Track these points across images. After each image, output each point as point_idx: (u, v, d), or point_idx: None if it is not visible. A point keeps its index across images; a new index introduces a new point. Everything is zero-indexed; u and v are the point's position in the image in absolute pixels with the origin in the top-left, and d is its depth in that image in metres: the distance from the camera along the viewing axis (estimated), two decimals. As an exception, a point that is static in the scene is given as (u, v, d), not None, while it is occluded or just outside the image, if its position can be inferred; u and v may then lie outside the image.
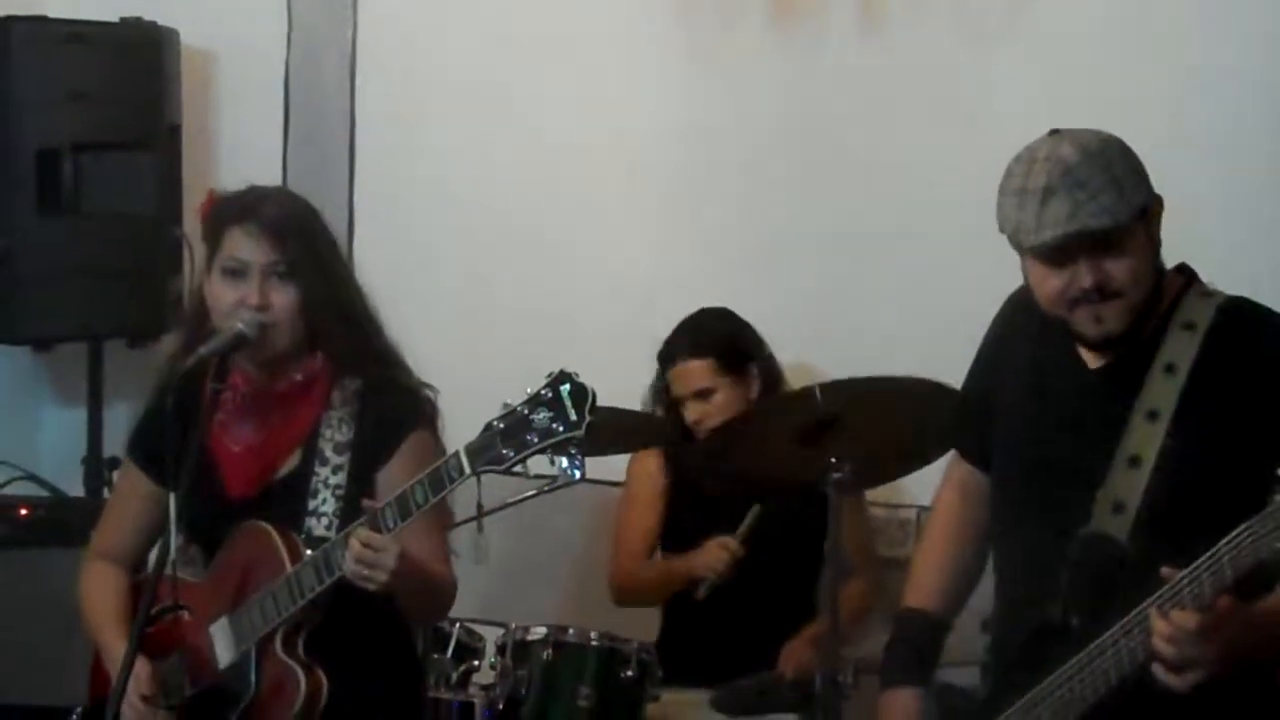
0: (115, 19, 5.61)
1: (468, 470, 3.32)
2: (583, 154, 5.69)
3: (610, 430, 4.43)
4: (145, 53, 5.60)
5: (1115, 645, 3.10)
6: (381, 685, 3.79)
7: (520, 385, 3.30)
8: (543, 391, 3.26)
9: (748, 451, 4.66)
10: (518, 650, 4.58)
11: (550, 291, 5.71)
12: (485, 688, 4.61)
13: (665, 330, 5.14)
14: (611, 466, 5.13)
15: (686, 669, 4.78)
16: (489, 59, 5.77)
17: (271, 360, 3.71)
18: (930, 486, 3.77)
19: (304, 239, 3.71)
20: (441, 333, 5.41)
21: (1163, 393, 3.22)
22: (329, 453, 3.71)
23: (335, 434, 3.72)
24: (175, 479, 3.55)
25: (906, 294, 5.38)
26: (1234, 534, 2.94)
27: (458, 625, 4.71)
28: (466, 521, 3.58)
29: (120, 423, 5.02)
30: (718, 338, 5.08)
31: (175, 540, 3.55)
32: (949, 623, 3.56)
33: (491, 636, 4.73)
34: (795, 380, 5.18)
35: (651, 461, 5.19)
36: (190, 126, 5.78)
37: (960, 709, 3.44)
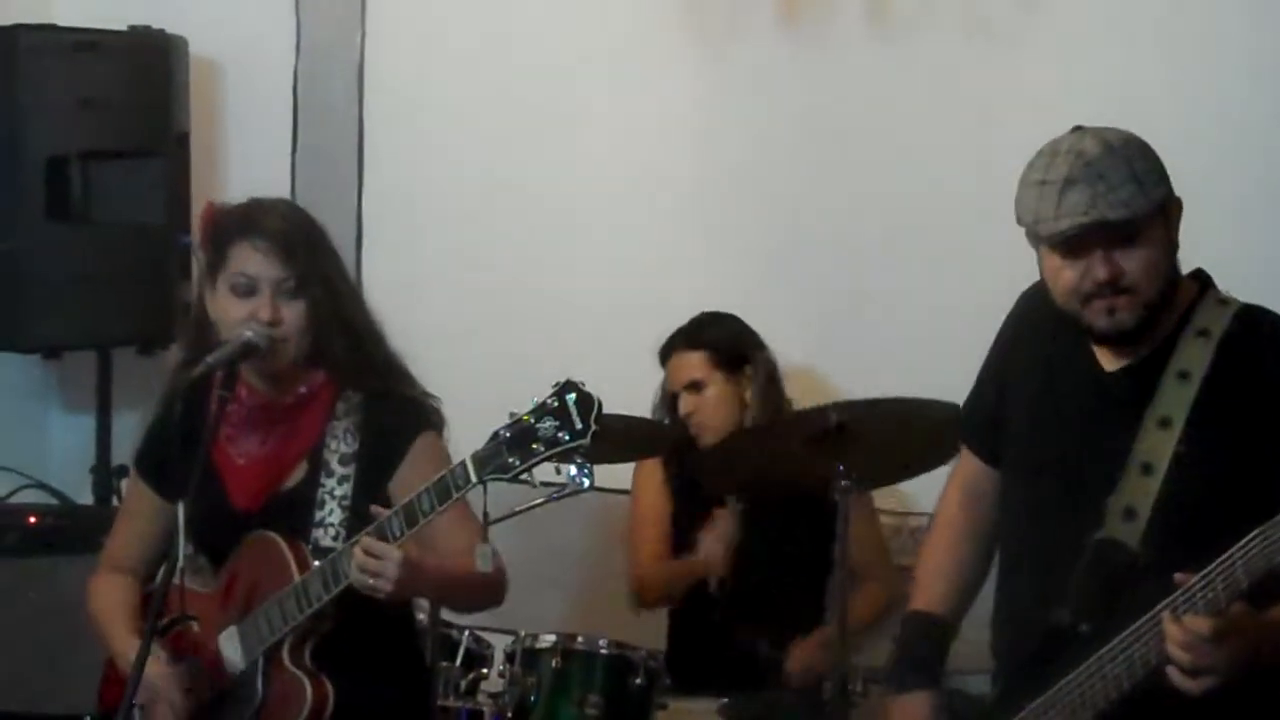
0: (124, 27, 5.63)
1: (474, 479, 3.32)
2: (592, 160, 5.69)
3: (618, 438, 4.43)
4: (154, 61, 5.61)
5: (1126, 650, 3.10)
6: (391, 694, 3.79)
7: (528, 394, 3.31)
8: (549, 400, 3.26)
9: (755, 459, 4.71)
10: (526, 658, 4.58)
11: (560, 298, 5.71)
12: (494, 695, 4.60)
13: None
14: (620, 475, 5.12)
15: (695, 678, 4.77)
16: (497, 68, 5.77)
17: (277, 373, 3.72)
18: (938, 494, 3.75)
19: (311, 253, 3.71)
20: (450, 341, 5.42)
21: (1175, 400, 3.21)
22: (334, 464, 3.72)
23: (340, 445, 3.73)
24: (183, 487, 3.54)
25: (917, 293, 5.37)
26: (1246, 540, 2.93)
27: (466, 633, 4.71)
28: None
29: (129, 430, 5.00)
30: (715, 333, 5.09)
31: (184, 550, 3.55)
32: (956, 625, 3.55)
33: (500, 644, 4.73)
34: (804, 380, 5.18)
35: (655, 470, 5.19)
36: (199, 135, 5.79)
37: (968, 715, 3.44)
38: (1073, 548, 3.21)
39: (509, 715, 4.54)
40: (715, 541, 4.95)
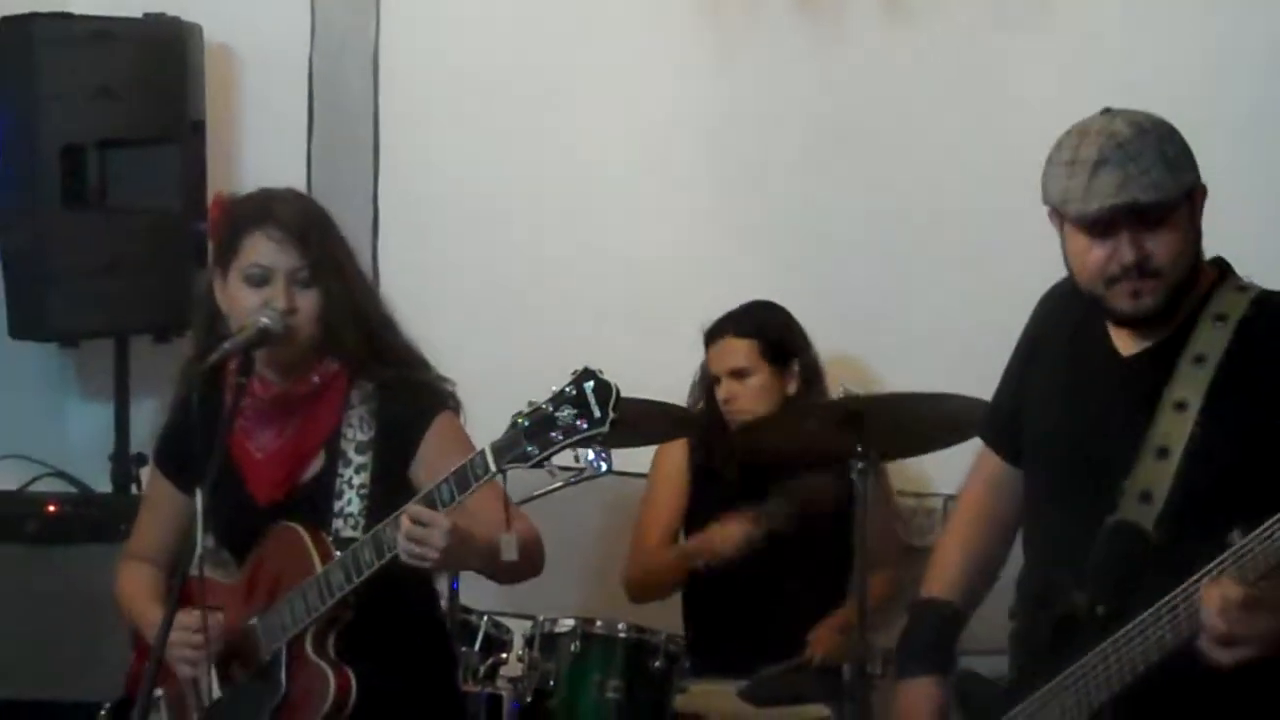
0: (139, 15, 5.63)
1: (493, 468, 3.32)
2: (608, 149, 5.69)
3: (638, 422, 4.44)
4: (169, 48, 5.61)
5: (1144, 632, 3.09)
6: (418, 681, 3.80)
7: (547, 383, 3.31)
8: (567, 389, 3.26)
9: (778, 443, 4.75)
10: (546, 642, 4.60)
11: (577, 287, 5.71)
12: (513, 680, 4.62)
13: (693, 324, 5.15)
14: (638, 458, 5.13)
15: (714, 660, 4.78)
16: (512, 55, 5.77)
17: (290, 363, 3.72)
18: (956, 475, 3.76)
19: (323, 242, 3.71)
20: (467, 330, 5.43)
21: (1191, 383, 3.21)
22: (351, 453, 3.72)
23: (356, 434, 3.73)
24: (203, 475, 3.54)
25: (939, 283, 5.38)
26: (1266, 525, 2.93)
27: (485, 618, 4.73)
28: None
29: (147, 418, 5.02)
30: (766, 324, 5.09)
31: (206, 541, 3.55)
32: (966, 615, 3.55)
33: (519, 629, 4.74)
34: (831, 370, 5.18)
35: (677, 451, 5.20)
36: (214, 122, 5.78)
37: (981, 695, 3.44)
38: (1089, 531, 3.21)
39: (528, 700, 4.55)
40: (736, 529, 4.93)
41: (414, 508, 3.42)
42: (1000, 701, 3.35)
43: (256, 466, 3.77)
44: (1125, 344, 3.31)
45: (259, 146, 5.94)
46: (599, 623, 4.61)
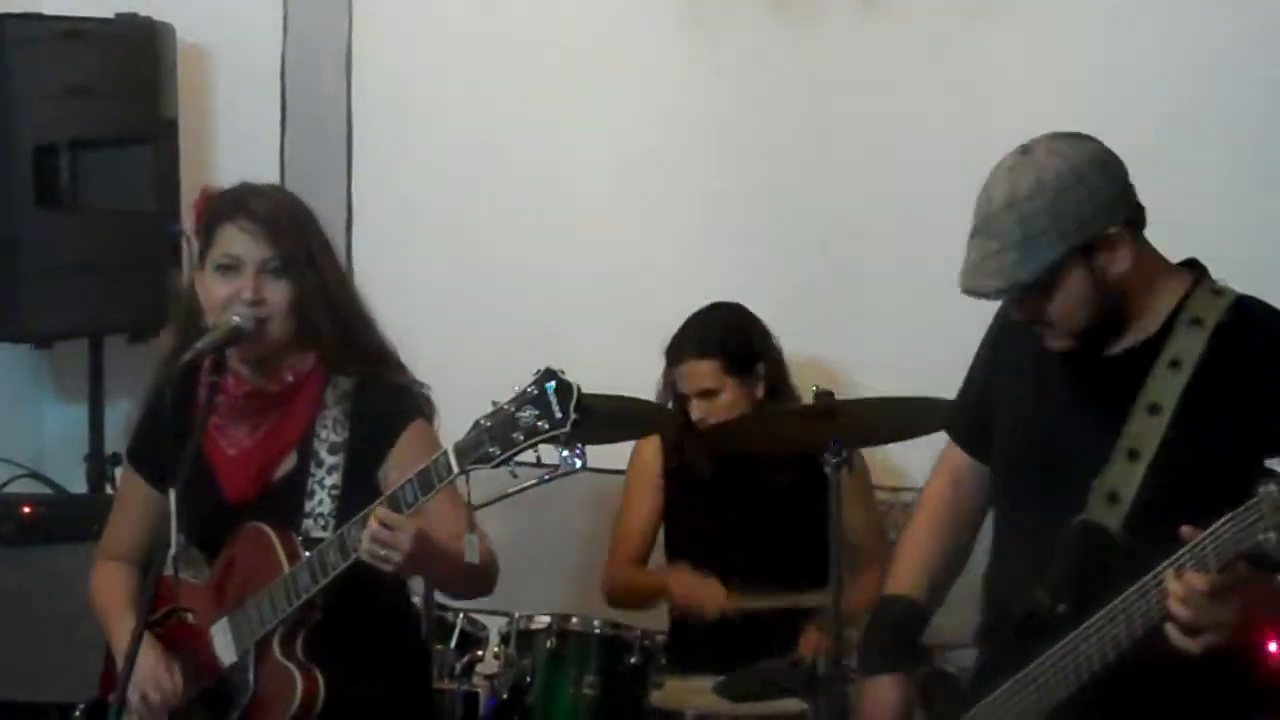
0: (111, 15, 5.62)
1: (456, 469, 3.32)
2: (582, 146, 5.69)
3: (612, 418, 4.44)
4: (141, 48, 5.61)
5: (1099, 631, 3.10)
6: (389, 682, 3.79)
7: (520, 379, 3.30)
8: (528, 389, 3.26)
9: (750, 442, 4.75)
10: (521, 639, 4.61)
11: (550, 284, 5.71)
12: (489, 677, 4.64)
13: (667, 320, 5.11)
14: (614, 454, 5.12)
15: (696, 658, 4.76)
16: (486, 52, 5.77)
17: (264, 358, 3.72)
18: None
19: (297, 235, 3.71)
20: (440, 328, 5.43)
21: (1166, 387, 3.21)
22: (324, 454, 3.72)
23: (330, 434, 3.73)
24: (174, 474, 3.55)
25: (913, 278, 5.37)
26: (1216, 525, 2.93)
27: (461, 615, 4.73)
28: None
29: (122, 418, 4.97)
30: (726, 338, 5.04)
31: (177, 540, 3.55)
32: (930, 611, 3.55)
33: (495, 626, 4.75)
34: (803, 369, 5.17)
35: (650, 450, 5.19)
36: (187, 122, 5.78)
37: (947, 691, 3.45)
38: (1056, 530, 3.21)
39: (504, 696, 4.56)
40: (696, 588, 4.90)
41: (382, 510, 3.41)
42: (964, 699, 3.36)
43: (228, 463, 3.77)
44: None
45: (232, 146, 5.94)
46: (574, 619, 4.62)
